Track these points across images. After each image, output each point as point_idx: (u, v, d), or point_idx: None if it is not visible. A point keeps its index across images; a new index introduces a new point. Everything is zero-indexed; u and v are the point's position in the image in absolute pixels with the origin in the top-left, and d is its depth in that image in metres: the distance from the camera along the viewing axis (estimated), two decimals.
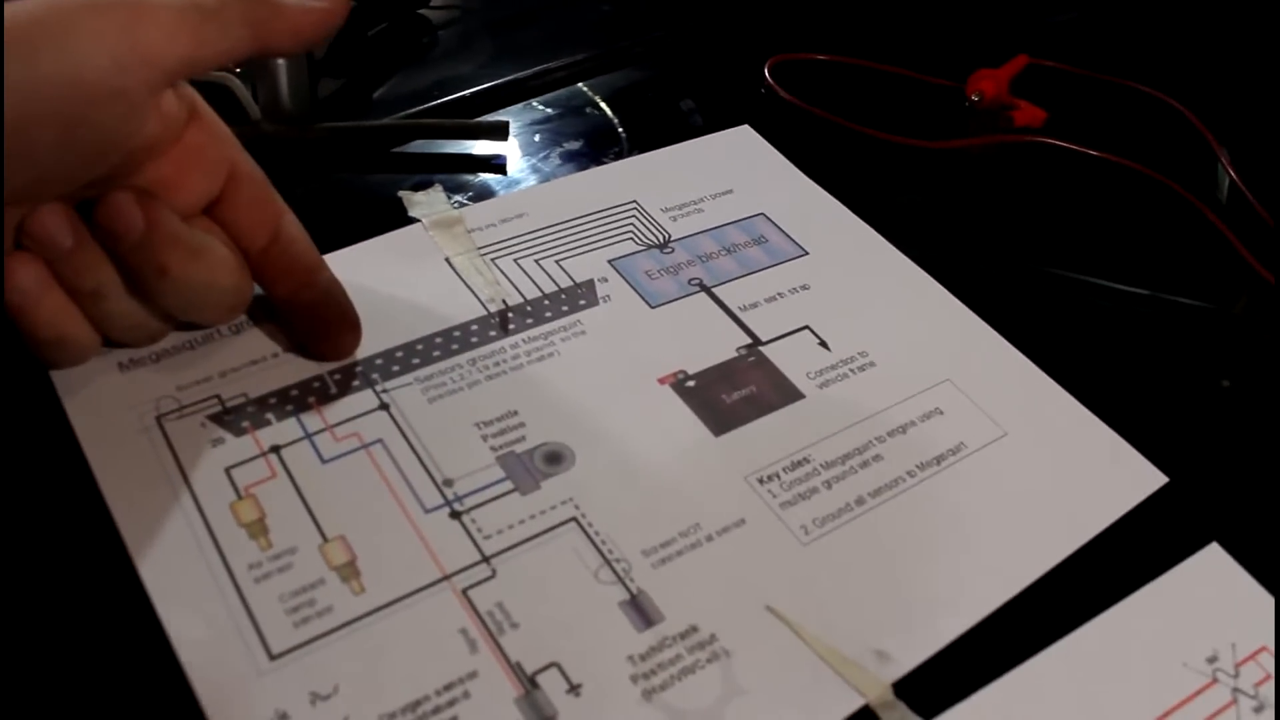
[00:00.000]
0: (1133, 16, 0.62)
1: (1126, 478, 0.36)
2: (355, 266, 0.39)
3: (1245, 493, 0.37)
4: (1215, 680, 0.32)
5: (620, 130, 0.49)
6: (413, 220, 0.42)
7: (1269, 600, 0.34)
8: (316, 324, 0.36)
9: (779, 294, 0.41)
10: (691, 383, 0.37)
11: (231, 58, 0.30)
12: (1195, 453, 0.38)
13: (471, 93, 0.49)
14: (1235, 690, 0.31)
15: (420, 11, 0.57)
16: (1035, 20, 0.62)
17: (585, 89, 0.51)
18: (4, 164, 0.27)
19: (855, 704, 0.30)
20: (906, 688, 0.30)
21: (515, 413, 0.35)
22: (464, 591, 0.30)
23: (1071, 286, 0.45)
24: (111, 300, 0.32)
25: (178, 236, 0.31)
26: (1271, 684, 0.32)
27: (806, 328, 0.40)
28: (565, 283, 0.40)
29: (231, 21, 0.29)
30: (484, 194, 0.44)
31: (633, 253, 0.42)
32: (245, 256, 0.34)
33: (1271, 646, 0.33)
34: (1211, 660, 0.32)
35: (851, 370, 0.38)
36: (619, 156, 0.47)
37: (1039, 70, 0.56)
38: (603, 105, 0.50)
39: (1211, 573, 0.34)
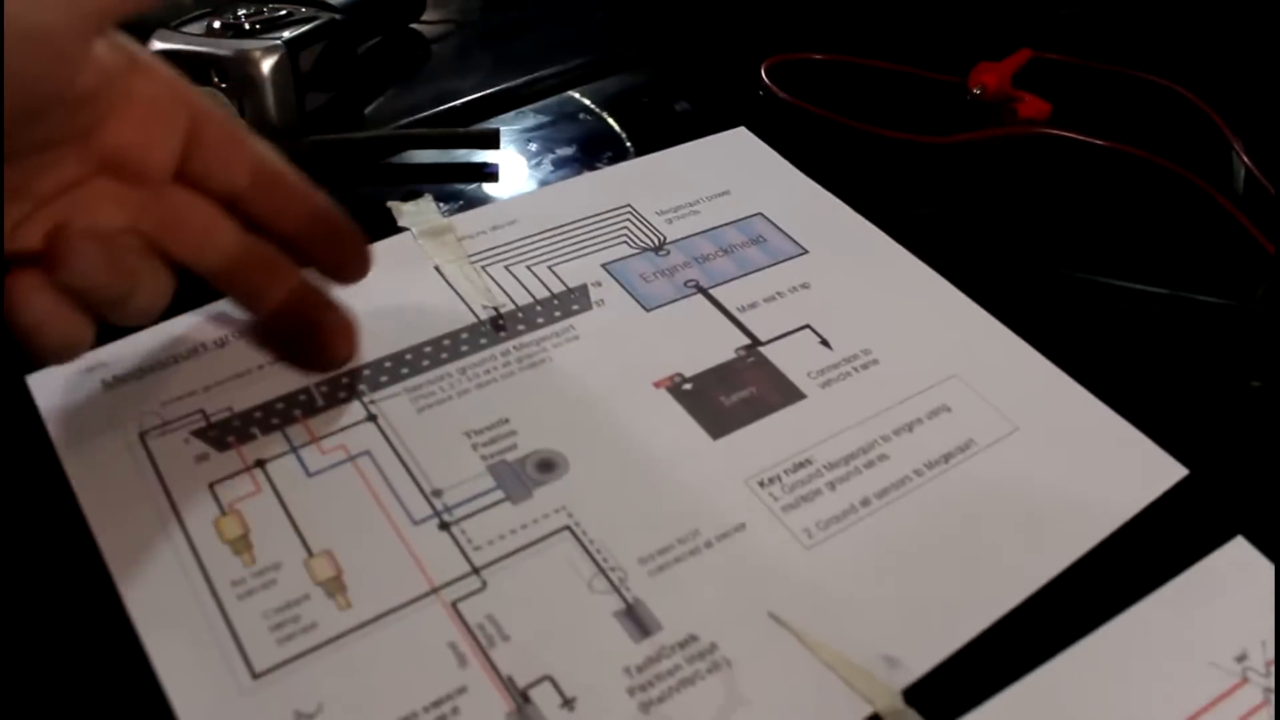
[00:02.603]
0: (1138, 6, 0.61)
1: (1144, 471, 0.35)
2: None
3: (1270, 483, 0.36)
4: (1246, 679, 0.30)
5: (616, 135, 0.48)
6: (402, 230, 0.41)
7: None
8: (331, 251, 0.34)
9: (778, 293, 0.40)
10: (688, 385, 0.36)
11: None
12: (1217, 445, 0.37)
13: (463, 102, 0.49)
14: (1267, 690, 0.30)
15: (413, 26, 0.56)
16: (1039, 13, 0.61)
17: (578, 95, 0.50)
18: None
19: (864, 712, 0.28)
20: (917, 694, 0.29)
21: (506, 420, 0.34)
22: (453, 604, 0.29)
23: (1086, 286, 0.43)
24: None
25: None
26: None
27: (807, 326, 0.39)
28: (558, 288, 0.39)
29: None
30: (477, 203, 0.43)
31: (627, 256, 0.41)
32: (231, 200, 0.32)
33: None
34: (1240, 659, 0.31)
35: (854, 368, 0.37)
36: (613, 162, 0.46)
37: (1043, 64, 0.55)
38: (597, 111, 0.49)
39: (1237, 567, 0.33)
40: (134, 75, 0.30)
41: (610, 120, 0.49)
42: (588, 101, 0.50)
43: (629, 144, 0.47)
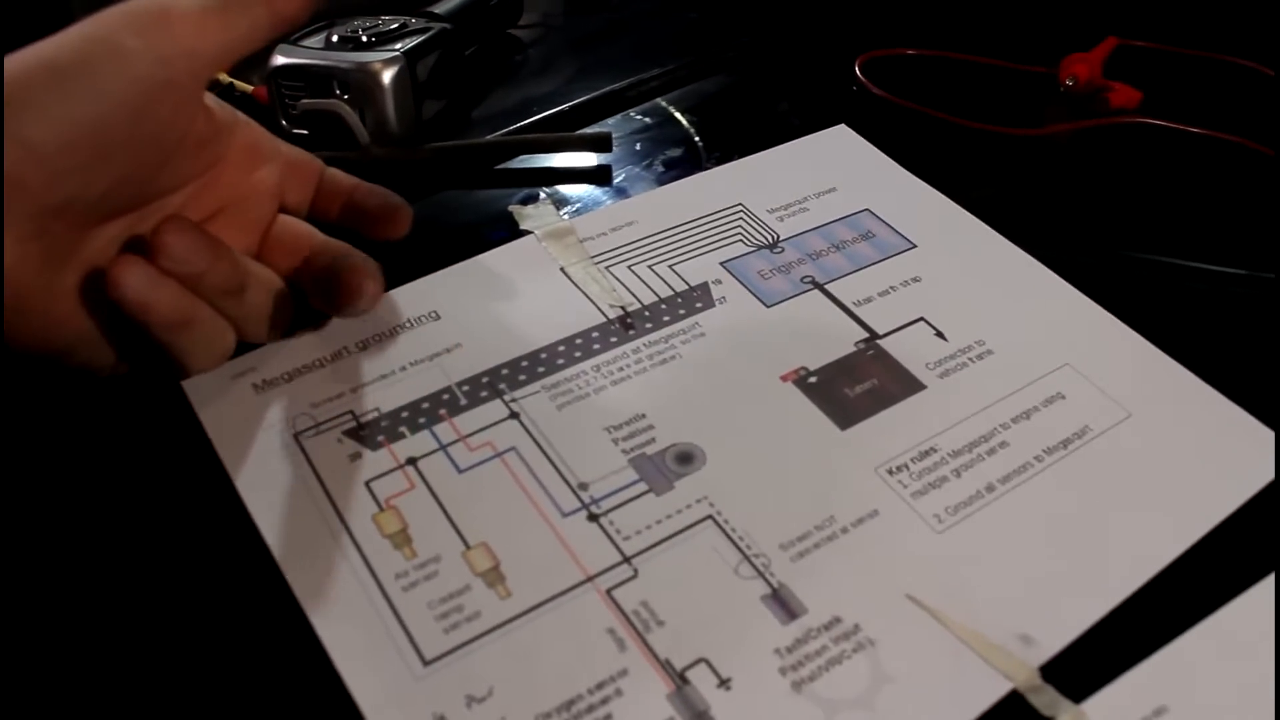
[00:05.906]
0: None
1: (1260, 451, 0.36)
2: (473, 279, 0.40)
3: None
4: None
5: (717, 136, 0.49)
6: (525, 233, 0.43)
7: None
8: (371, 220, 0.39)
9: (891, 287, 0.41)
10: (813, 379, 0.37)
11: (256, 35, 0.32)
12: None
13: (570, 106, 0.50)
14: None
15: (510, 31, 0.58)
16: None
17: (678, 97, 0.52)
18: (84, 170, 0.30)
19: (1003, 689, 0.30)
20: (1053, 671, 0.30)
21: (643, 415, 0.36)
22: (608, 592, 0.31)
23: (1189, 273, 0.44)
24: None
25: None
26: None
27: (922, 319, 0.40)
28: (680, 286, 0.40)
29: (248, 2, 0.32)
30: (589, 205, 0.45)
31: (744, 254, 0.42)
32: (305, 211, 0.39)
33: None
34: None
35: (970, 359, 0.38)
36: (719, 161, 0.47)
37: (1130, 51, 0.55)
38: (697, 111, 0.51)
39: None
40: (235, 128, 0.35)
41: (711, 121, 0.50)
42: (687, 103, 0.51)
43: (732, 144, 0.48)
